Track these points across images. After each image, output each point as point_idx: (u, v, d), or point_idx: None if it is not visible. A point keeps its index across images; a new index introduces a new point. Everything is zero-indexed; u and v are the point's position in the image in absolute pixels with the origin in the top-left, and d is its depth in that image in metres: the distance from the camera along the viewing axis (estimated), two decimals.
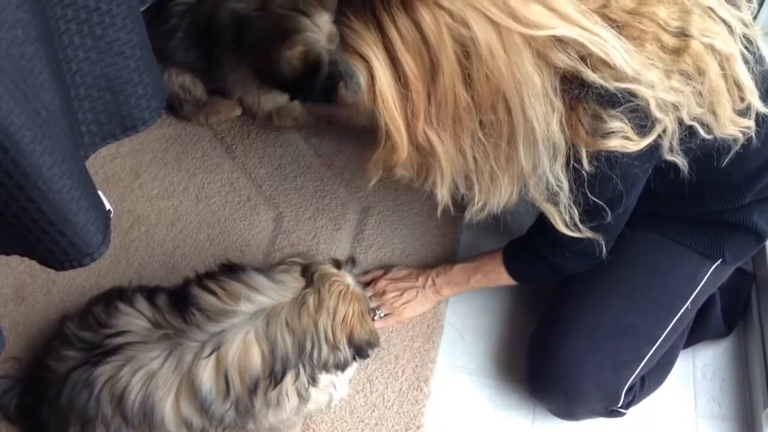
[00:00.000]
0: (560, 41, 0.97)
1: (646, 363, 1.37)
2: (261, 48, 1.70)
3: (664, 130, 1.04)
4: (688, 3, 1.03)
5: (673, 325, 1.37)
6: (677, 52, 1.02)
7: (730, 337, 1.60)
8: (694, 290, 1.37)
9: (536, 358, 1.45)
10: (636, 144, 1.04)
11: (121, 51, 0.99)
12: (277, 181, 1.85)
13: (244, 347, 1.18)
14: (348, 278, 1.27)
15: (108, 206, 1.04)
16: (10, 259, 1.59)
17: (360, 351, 1.26)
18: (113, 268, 1.66)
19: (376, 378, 1.53)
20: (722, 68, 1.04)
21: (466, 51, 0.97)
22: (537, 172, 1.07)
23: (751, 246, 1.38)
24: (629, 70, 0.98)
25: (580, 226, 1.14)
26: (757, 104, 1.08)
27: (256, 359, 1.18)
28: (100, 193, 1.01)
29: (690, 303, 1.38)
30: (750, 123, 1.09)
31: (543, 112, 1.01)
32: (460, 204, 1.18)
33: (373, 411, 1.48)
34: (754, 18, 1.85)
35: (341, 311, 1.21)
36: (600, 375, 1.35)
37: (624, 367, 1.35)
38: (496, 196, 1.13)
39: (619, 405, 1.39)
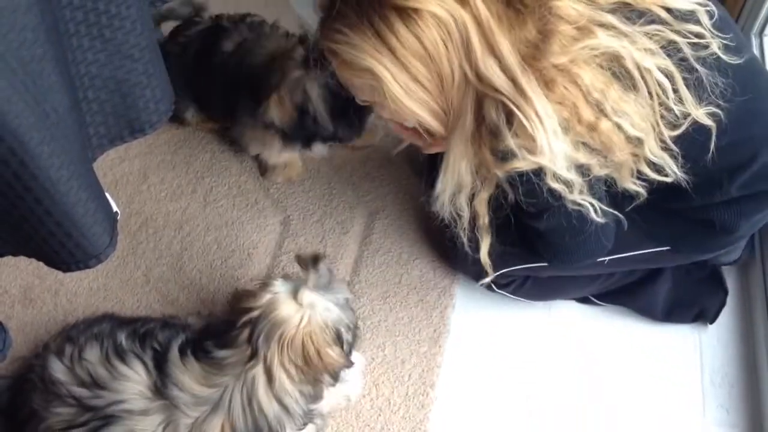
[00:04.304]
0: (497, 91, 1.00)
1: (529, 269, 1.48)
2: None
3: (568, 184, 1.07)
4: (617, 64, 1.02)
5: (579, 265, 1.40)
6: (590, 127, 1.03)
7: (739, 344, 1.60)
8: (619, 254, 1.38)
9: None
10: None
11: (129, 54, 0.99)
12: (284, 185, 1.85)
13: (221, 429, 1.19)
14: (305, 300, 1.20)
15: (115, 208, 1.05)
16: (17, 261, 1.60)
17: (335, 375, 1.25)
18: (121, 269, 1.67)
19: (383, 382, 1.53)
20: (632, 146, 1.06)
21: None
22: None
23: (721, 245, 1.40)
24: (546, 149, 1.00)
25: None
26: (676, 171, 1.10)
27: None
28: (107, 195, 1.01)
29: (609, 260, 1.39)
30: (659, 178, 1.10)
31: (459, 153, 1.07)
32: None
33: (379, 415, 1.48)
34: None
35: (299, 357, 1.20)
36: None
37: (509, 256, 1.36)
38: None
39: (489, 281, 1.41)
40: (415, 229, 1.78)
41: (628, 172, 1.09)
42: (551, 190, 1.07)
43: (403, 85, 1.03)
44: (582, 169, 1.06)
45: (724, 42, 1.09)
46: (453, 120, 1.07)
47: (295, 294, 1.21)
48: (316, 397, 1.26)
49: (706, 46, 1.07)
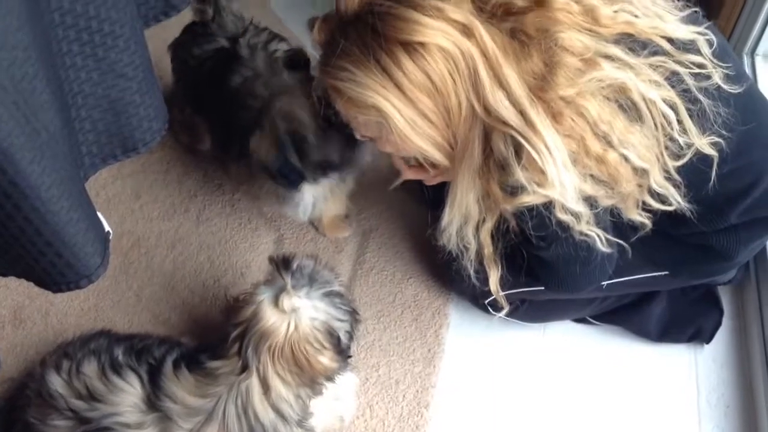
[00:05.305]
0: (505, 124, 0.99)
1: (526, 293, 1.45)
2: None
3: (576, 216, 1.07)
4: (623, 96, 1.02)
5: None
6: (598, 159, 1.03)
7: (735, 365, 1.59)
8: (618, 278, 1.38)
9: None
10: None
11: (123, 73, 0.98)
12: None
13: None
14: (286, 306, 1.16)
15: (107, 228, 1.04)
16: (8, 281, 1.58)
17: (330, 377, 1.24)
18: (112, 289, 1.65)
19: (377, 403, 1.51)
20: (637, 177, 1.06)
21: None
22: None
23: (720, 271, 1.40)
24: (557, 182, 1.00)
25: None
26: (679, 201, 1.10)
27: None
28: (99, 214, 1.00)
29: (608, 284, 1.38)
30: (663, 208, 1.11)
31: (466, 186, 1.07)
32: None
33: None
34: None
35: (292, 365, 1.18)
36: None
37: (506, 280, 1.28)
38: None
39: (486, 302, 1.53)
40: (409, 248, 1.77)
41: (633, 202, 1.09)
42: (560, 222, 1.06)
43: (410, 120, 1.02)
44: (589, 201, 1.06)
45: (725, 71, 1.09)
46: (459, 153, 1.06)
47: (276, 301, 1.17)
48: (316, 394, 1.24)
49: (708, 77, 1.08)
